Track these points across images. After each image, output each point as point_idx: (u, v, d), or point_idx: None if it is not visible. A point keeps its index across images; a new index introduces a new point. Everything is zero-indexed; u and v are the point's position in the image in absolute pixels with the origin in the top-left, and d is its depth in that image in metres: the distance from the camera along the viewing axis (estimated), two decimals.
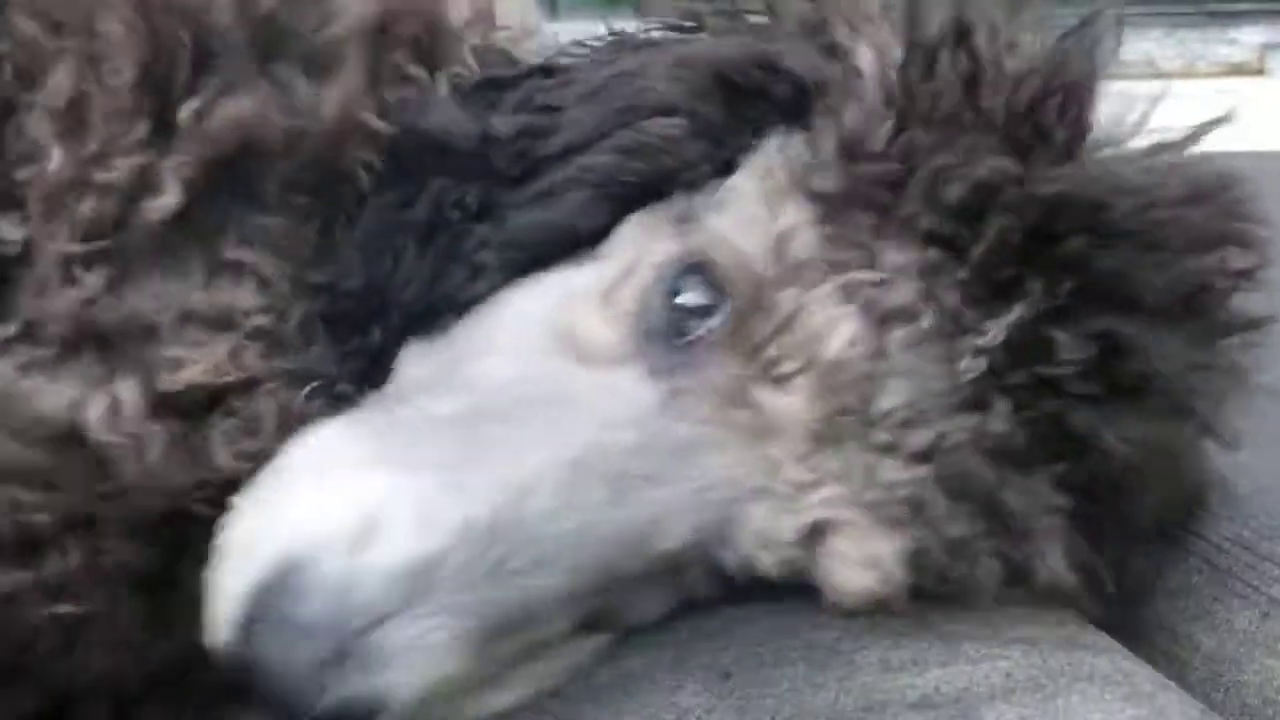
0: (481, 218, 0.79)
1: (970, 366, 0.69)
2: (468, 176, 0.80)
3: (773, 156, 0.75)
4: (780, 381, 0.70)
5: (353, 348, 0.82)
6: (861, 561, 0.71)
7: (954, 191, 0.70)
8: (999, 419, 0.69)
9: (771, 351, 0.70)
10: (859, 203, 0.71)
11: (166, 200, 0.79)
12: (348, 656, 0.63)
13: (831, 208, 0.72)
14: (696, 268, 0.73)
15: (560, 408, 0.71)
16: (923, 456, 0.69)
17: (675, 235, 0.75)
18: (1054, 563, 0.72)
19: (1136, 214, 0.71)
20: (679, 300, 0.72)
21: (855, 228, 0.71)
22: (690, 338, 0.72)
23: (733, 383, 0.71)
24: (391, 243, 0.81)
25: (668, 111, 0.77)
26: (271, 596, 0.64)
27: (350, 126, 0.83)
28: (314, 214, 0.84)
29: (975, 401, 0.70)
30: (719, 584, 0.75)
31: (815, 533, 0.71)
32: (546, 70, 0.85)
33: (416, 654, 0.64)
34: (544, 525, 0.67)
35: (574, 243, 0.78)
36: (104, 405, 0.76)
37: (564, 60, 0.86)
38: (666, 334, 0.72)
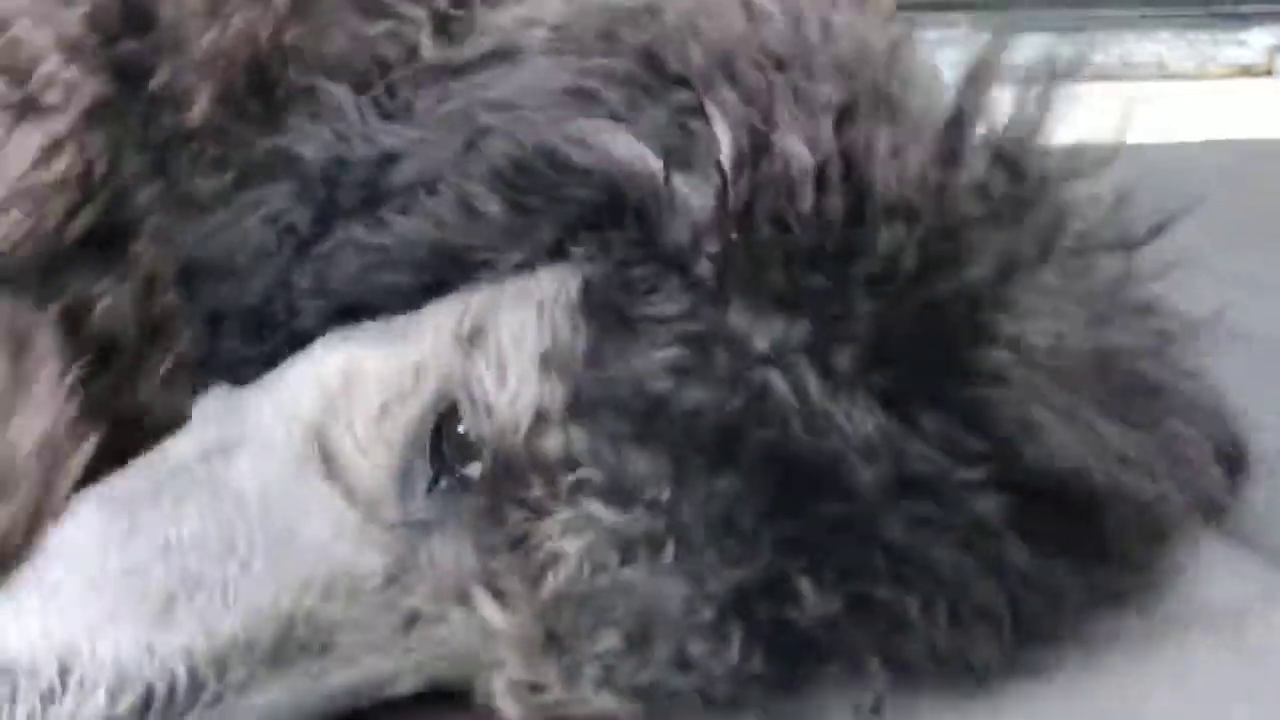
0: (310, 246, 0.77)
1: (704, 611, 0.67)
2: (307, 199, 0.78)
3: (560, 293, 0.70)
4: (499, 596, 0.68)
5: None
6: None
7: (707, 422, 0.67)
8: (735, 651, 0.68)
9: (498, 563, 0.68)
10: (610, 404, 0.67)
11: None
12: None
13: (588, 403, 0.67)
14: (464, 409, 0.69)
15: (287, 558, 0.69)
16: (637, 694, 0.69)
17: (464, 349, 0.70)
18: None
19: (897, 490, 0.68)
20: (463, 435, 0.69)
21: (605, 436, 0.67)
22: (443, 486, 0.70)
23: (461, 576, 0.69)
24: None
25: (456, 192, 0.72)
26: None
27: None
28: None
29: (712, 633, 0.67)
30: None
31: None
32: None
33: None
34: (237, 699, 0.67)
35: (377, 302, 0.74)
36: None
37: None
38: (423, 477, 0.70)
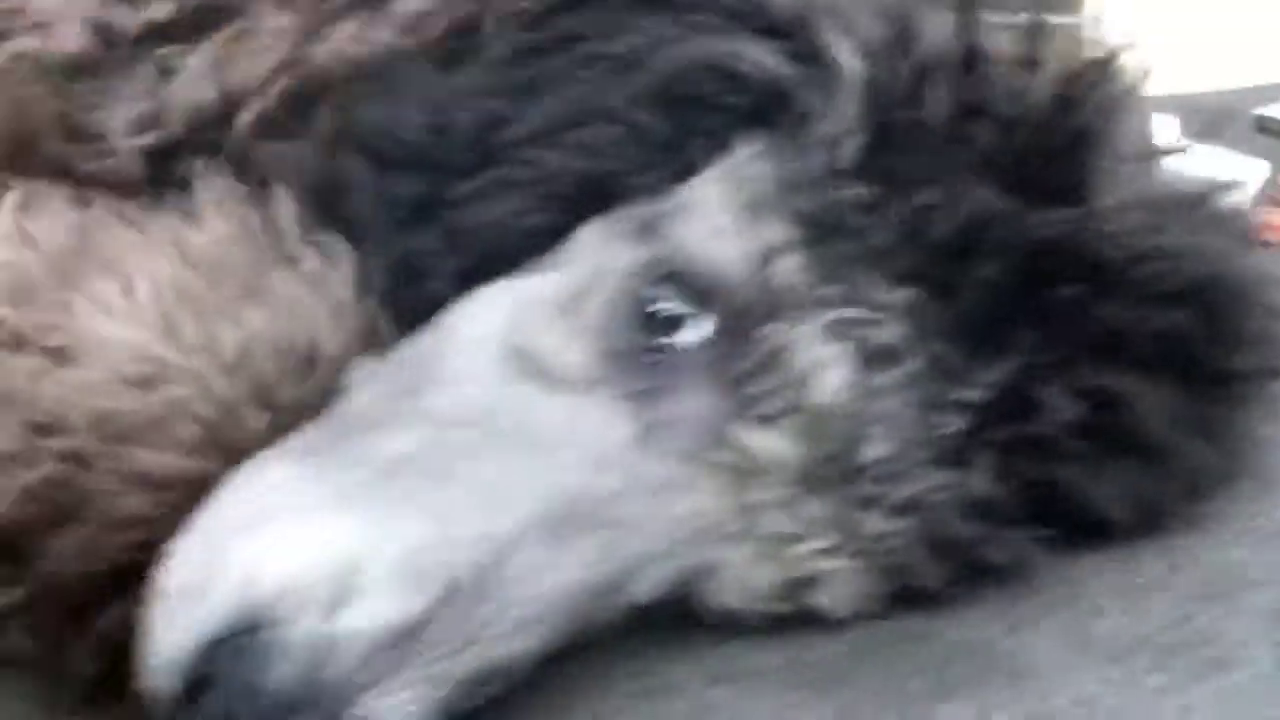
0: (420, 216, 0.76)
1: (953, 422, 0.69)
2: (409, 168, 0.77)
3: (742, 166, 0.72)
4: (764, 421, 0.68)
5: None
6: (850, 603, 0.72)
7: (940, 229, 0.69)
8: (981, 478, 0.70)
9: (754, 388, 0.68)
10: (838, 228, 0.69)
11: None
12: None
13: (811, 231, 0.69)
14: (669, 277, 0.70)
15: (535, 445, 0.67)
16: (904, 510, 0.69)
17: (640, 243, 0.71)
18: None
19: (1134, 265, 0.71)
20: (651, 309, 0.70)
21: (837, 256, 0.69)
22: (662, 356, 0.69)
23: (713, 417, 0.69)
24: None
25: (610, 118, 0.74)
26: (230, 655, 0.59)
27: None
28: None
29: (957, 458, 0.69)
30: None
31: (800, 585, 0.71)
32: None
33: None
34: (527, 585, 0.64)
35: (521, 247, 0.74)
36: None
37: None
38: (635, 352, 0.70)
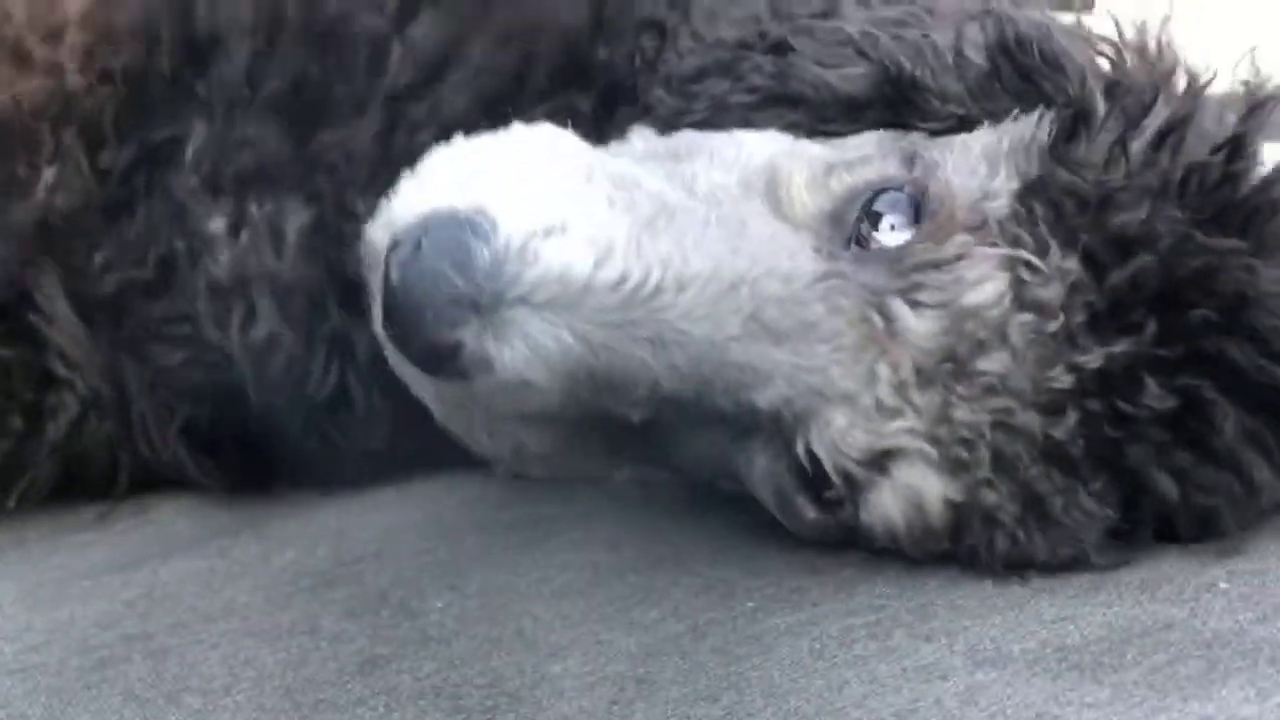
0: (772, 52, 0.92)
1: (1062, 378, 0.76)
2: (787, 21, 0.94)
3: (1006, 126, 0.83)
4: (917, 306, 0.77)
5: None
6: (910, 499, 0.78)
7: (1118, 219, 0.77)
8: (1064, 429, 0.76)
9: (920, 276, 0.77)
10: (1045, 197, 0.78)
11: None
12: (480, 311, 0.69)
13: (1026, 191, 0.79)
14: (911, 193, 0.80)
15: (741, 237, 0.78)
16: (991, 421, 0.76)
17: (902, 165, 0.81)
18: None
19: (1271, 315, 0.77)
20: (882, 216, 0.80)
21: (1036, 216, 0.78)
22: (867, 245, 0.79)
23: (881, 288, 0.77)
24: None
25: (950, 48, 0.87)
26: (452, 223, 0.71)
27: None
28: None
29: (1052, 405, 0.76)
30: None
31: (882, 457, 0.78)
32: None
33: (533, 349, 0.71)
34: (682, 319, 0.74)
35: (827, 108, 0.88)
36: None
37: None
38: (848, 227, 0.80)
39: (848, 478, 0.79)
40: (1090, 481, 0.77)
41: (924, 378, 0.76)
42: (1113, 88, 0.82)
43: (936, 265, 0.77)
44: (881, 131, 0.87)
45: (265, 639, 0.80)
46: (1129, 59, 0.86)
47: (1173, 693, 0.69)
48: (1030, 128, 0.82)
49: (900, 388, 0.77)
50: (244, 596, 0.86)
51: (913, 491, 0.78)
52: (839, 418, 0.77)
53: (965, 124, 0.85)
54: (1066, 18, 0.92)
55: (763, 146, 0.86)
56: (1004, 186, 0.79)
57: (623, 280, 0.72)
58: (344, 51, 0.99)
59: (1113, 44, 0.87)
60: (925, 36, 0.88)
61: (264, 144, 0.98)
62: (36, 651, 0.81)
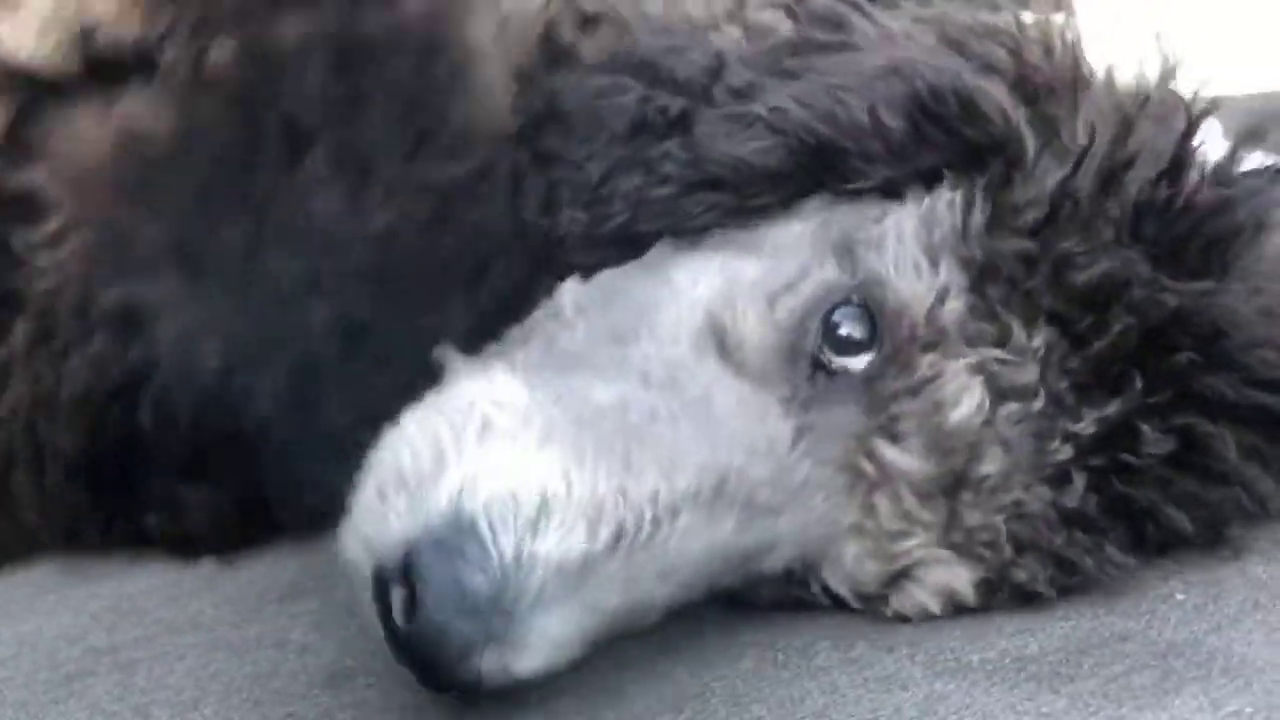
0: (675, 130, 0.85)
1: (1061, 450, 0.76)
2: (679, 91, 0.86)
3: (939, 207, 0.80)
4: (897, 439, 0.76)
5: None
6: (941, 592, 0.78)
7: (1080, 278, 0.76)
8: (1075, 495, 0.77)
9: (898, 409, 0.76)
10: (996, 275, 0.77)
11: None
12: (494, 637, 0.66)
13: (975, 277, 0.78)
14: (861, 304, 0.78)
15: (710, 423, 0.75)
16: (1003, 512, 0.76)
17: (843, 263, 0.79)
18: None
19: (1246, 350, 0.78)
20: (839, 333, 0.78)
21: (990, 300, 0.77)
22: (827, 370, 0.78)
23: (858, 431, 0.76)
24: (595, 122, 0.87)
25: (862, 108, 0.81)
26: (442, 557, 0.67)
27: None
28: None
29: (1057, 477, 0.77)
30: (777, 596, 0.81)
31: (900, 575, 0.78)
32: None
33: (554, 645, 0.67)
34: (681, 542, 0.71)
35: (749, 183, 0.82)
36: None
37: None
38: (809, 360, 0.78)
39: (868, 598, 0.79)
40: (1110, 532, 0.78)
41: (925, 498, 0.76)
42: (1037, 119, 0.81)
43: (911, 392, 0.76)
44: (808, 224, 0.82)
45: (233, 651, 0.81)
46: (1034, 58, 0.84)
47: (1128, 702, 0.70)
48: (957, 210, 0.79)
49: (904, 515, 0.77)
50: (211, 609, 0.86)
51: (942, 586, 0.78)
52: (849, 551, 0.78)
53: (891, 186, 0.81)
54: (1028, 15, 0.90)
55: (698, 291, 0.80)
56: (952, 281, 0.78)
57: (620, 536, 0.69)
58: None
59: (1014, 40, 0.85)
60: (838, 101, 0.82)
61: None
62: (3, 665, 0.81)
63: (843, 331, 0.78)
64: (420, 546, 0.67)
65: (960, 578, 0.78)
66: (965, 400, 0.75)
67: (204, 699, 0.76)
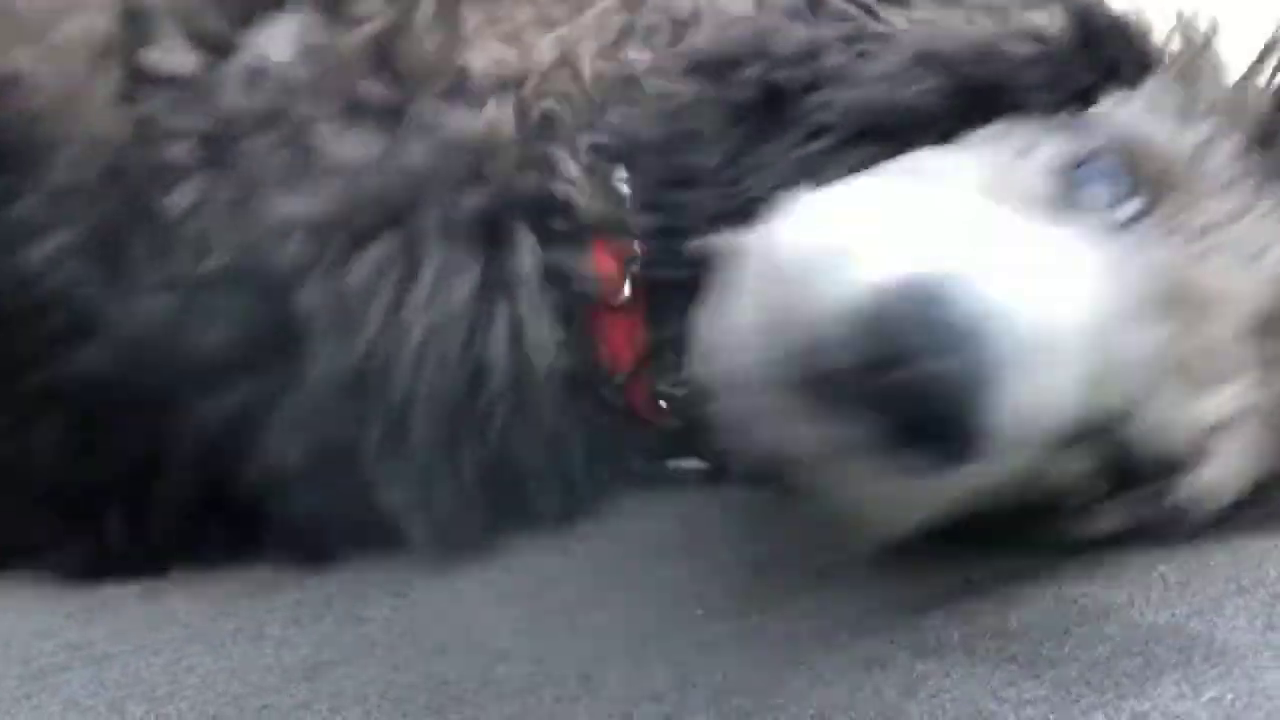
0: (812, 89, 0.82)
1: None
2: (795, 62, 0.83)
3: (1154, 91, 0.81)
4: (1219, 271, 0.74)
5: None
6: (1241, 467, 0.76)
7: None
8: None
9: (1207, 241, 0.74)
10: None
11: None
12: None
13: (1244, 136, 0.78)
14: (1101, 156, 0.75)
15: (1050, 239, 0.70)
16: None
17: (1063, 136, 0.76)
18: None
19: None
20: (1087, 187, 0.74)
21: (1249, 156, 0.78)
22: (1111, 218, 0.73)
23: (1177, 260, 0.73)
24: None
25: (1034, 38, 0.82)
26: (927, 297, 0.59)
27: None
28: None
29: None
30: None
31: (1217, 426, 0.74)
32: None
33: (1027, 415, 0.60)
34: (1101, 347, 0.66)
35: (908, 130, 0.79)
36: None
37: None
38: (1083, 210, 0.74)
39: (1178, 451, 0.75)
40: None
41: (1249, 334, 0.74)
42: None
43: (1210, 231, 0.74)
44: (995, 124, 0.79)
45: (208, 645, 0.80)
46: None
47: (1107, 687, 0.70)
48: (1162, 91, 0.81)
49: (1229, 350, 0.74)
50: (186, 604, 0.85)
51: (1243, 463, 0.76)
52: (1163, 399, 0.72)
53: (1077, 100, 0.80)
54: None
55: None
56: (1213, 134, 0.78)
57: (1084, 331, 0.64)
58: None
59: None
60: (971, 35, 0.82)
61: None
62: None
63: (1097, 187, 0.74)
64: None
65: (1260, 459, 0.77)
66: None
67: (179, 692, 0.75)
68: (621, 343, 0.86)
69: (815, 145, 0.81)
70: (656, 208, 0.83)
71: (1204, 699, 0.69)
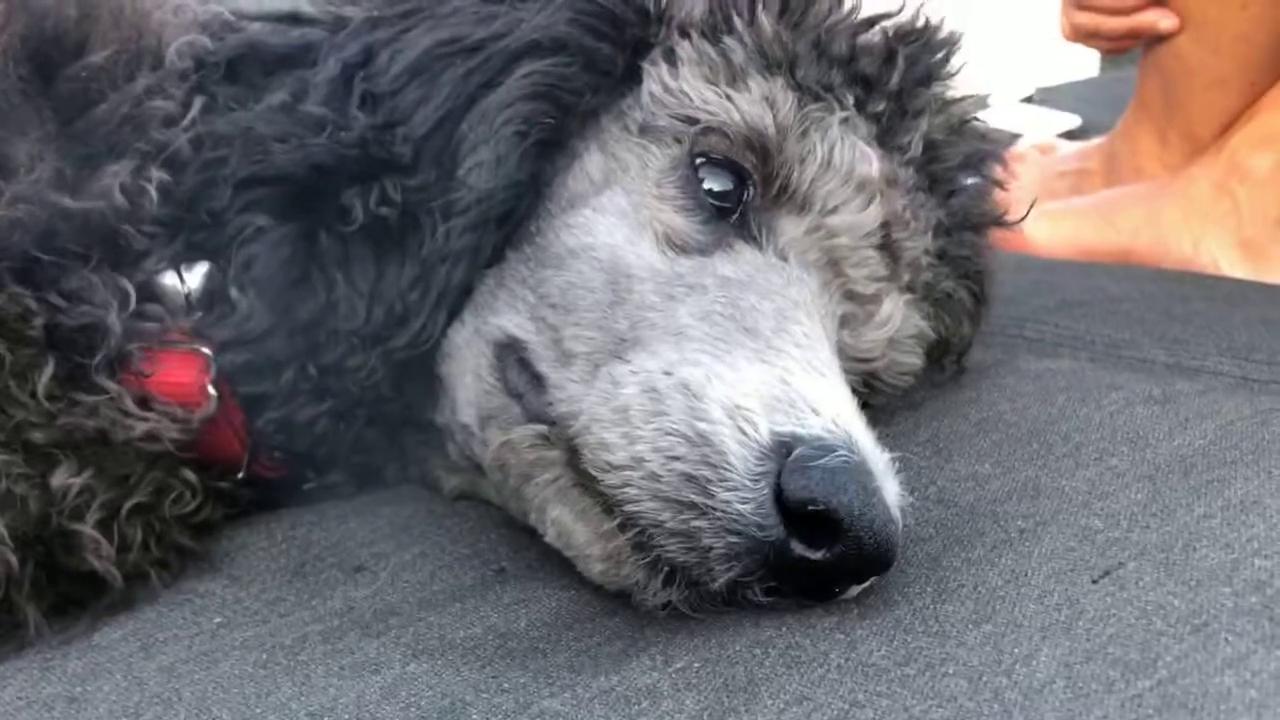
0: (413, 205, 0.81)
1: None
2: (367, 177, 0.81)
3: (689, 54, 0.86)
4: (840, 208, 0.85)
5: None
6: (915, 342, 0.91)
7: (841, 46, 0.88)
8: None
9: (821, 188, 0.85)
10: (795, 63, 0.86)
11: None
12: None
13: (788, 76, 0.86)
14: (705, 154, 0.84)
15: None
16: (938, 258, 0.93)
17: (661, 143, 0.85)
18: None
19: None
20: (711, 188, 0.84)
21: (799, 85, 0.86)
22: (736, 212, 0.84)
23: (805, 226, 0.85)
24: (310, 278, 0.81)
25: (556, 49, 0.83)
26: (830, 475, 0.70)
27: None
28: None
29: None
30: None
31: (890, 340, 0.90)
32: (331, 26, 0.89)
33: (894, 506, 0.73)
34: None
35: (530, 188, 0.84)
36: None
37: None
38: (714, 213, 0.84)
39: (877, 376, 0.93)
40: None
41: (885, 250, 0.88)
42: None
43: (817, 177, 0.85)
44: (587, 145, 0.87)
45: None
46: None
47: (587, 669, 0.72)
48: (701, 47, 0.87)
49: (874, 273, 0.88)
50: None
51: (913, 328, 0.92)
52: (847, 339, 0.88)
53: (627, 77, 0.88)
54: None
55: (611, 237, 0.84)
56: (770, 89, 0.85)
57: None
58: None
59: None
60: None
61: None
62: None
63: (717, 185, 0.84)
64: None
65: (924, 326, 0.93)
66: (866, 150, 0.86)
67: None
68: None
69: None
70: None
71: (674, 669, 0.71)
